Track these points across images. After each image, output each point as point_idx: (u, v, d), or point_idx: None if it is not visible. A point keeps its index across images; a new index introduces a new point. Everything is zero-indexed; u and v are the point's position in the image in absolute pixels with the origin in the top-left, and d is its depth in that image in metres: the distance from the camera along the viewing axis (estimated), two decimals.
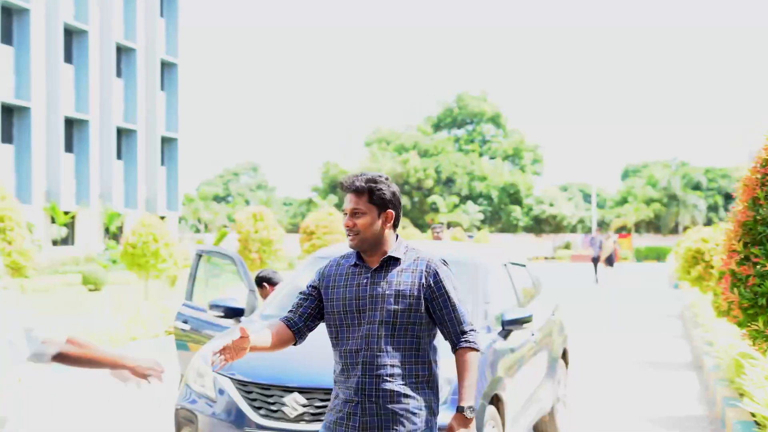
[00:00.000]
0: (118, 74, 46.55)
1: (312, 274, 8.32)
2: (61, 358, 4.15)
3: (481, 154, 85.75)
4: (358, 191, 4.41)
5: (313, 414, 6.00)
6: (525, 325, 7.21)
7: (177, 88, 50.94)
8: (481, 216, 79.62)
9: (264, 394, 6.18)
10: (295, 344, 4.61)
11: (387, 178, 4.49)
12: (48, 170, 41.22)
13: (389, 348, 4.35)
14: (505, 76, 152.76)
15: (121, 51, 46.86)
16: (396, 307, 4.34)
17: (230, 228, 56.38)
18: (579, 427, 9.60)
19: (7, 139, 39.45)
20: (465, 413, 4.31)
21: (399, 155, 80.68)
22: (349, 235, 4.44)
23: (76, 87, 43.30)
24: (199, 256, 9.47)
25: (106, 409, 10.39)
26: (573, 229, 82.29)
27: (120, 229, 45.58)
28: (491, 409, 6.44)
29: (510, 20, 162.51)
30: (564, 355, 9.51)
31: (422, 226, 72.04)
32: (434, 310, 4.41)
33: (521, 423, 7.43)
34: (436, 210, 76.74)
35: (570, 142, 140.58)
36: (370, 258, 4.48)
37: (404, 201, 75.69)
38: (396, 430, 4.31)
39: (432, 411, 4.42)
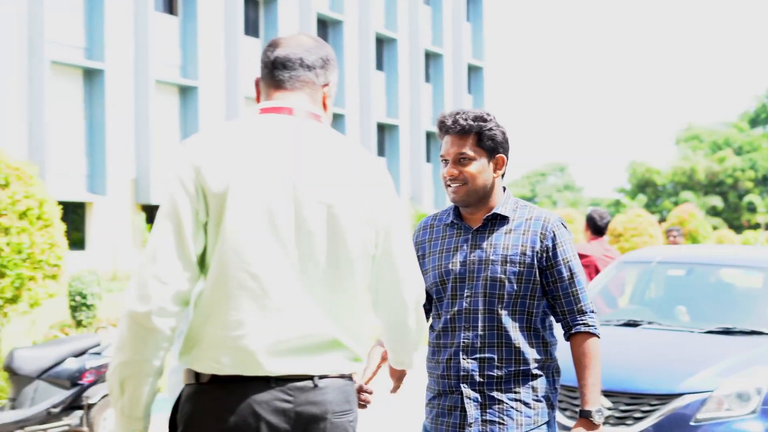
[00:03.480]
0: (427, 79, 47.87)
1: (616, 277, 8.31)
2: None
3: None
4: (463, 132, 3.61)
5: (617, 417, 6.00)
6: None
7: (483, 91, 51.69)
8: None
9: (569, 395, 6.22)
10: None
11: (495, 117, 3.67)
12: None
13: (494, 325, 3.59)
14: None
15: (429, 56, 48.15)
16: (502, 276, 3.57)
17: None
18: None
19: None
20: (592, 418, 3.57)
21: (713, 153, 77.64)
22: (450, 186, 3.65)
23: (387, 93, 44.95)
24: None
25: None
26: None
27: None
28: None
29: None
30: None
31: (738, 228, 68.91)
32: (547, 282, 3.61)
33: None
34: (752, 210, 73.19)
35: None
36: (472, 215, 3.71)
37: (718, 201, 72.68)
38: (504, 423, 3.56)
39: (551, 403, 3.66)
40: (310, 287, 2.60)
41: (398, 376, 3.77)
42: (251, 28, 37.78)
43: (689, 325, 7.14)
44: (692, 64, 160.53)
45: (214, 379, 2.56)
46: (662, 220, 55.19)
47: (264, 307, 2.55)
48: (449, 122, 3.62)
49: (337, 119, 41.41)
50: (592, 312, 3.64)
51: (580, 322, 3.60)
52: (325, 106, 2.83)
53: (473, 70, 51.60)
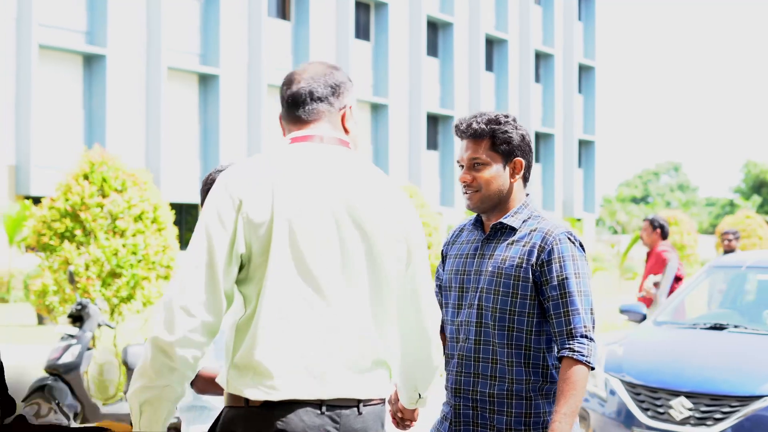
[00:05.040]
0: (537, 79, 47.69)
1: (705, 284, 8.39)
2: None
3: None
4: (476, 135, 3.43)
5: (698, 418, 6.10)
6: None
7: (594, 90, 51.26)
8: None
9: (652, 396, 6.36)
10: None
11: (514, 119, 3.47)
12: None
13: (489, 340, 3.40)
14: None
15: (540, 57, 47.97)
16: (495, 288, 3.38)
17: None
18: None
19: (432, 146, 41.83)
20: None
21: None
22: (466, 193, 3.48)
23: (496, 94, 44.95)
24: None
25: None
26: None
27: None
28: None
29: None
30: None
31: None
32: (544, 300, 3.36)
33: None
34: None
35: None
36: (488, 222, 3.53)
37: None
38: None
39: (546, 428, 3.34)
40: (359, 307, 2.70)
41: (409, 416, 3.50)
42: (362, 31, 38.25)
43: None
44: None
45: (266, 403, 2.62)
46: None
47: (321, 330, 2.65)
48: (463, 126, 3.47)
49: (446, 121, 41.64)
50: (584, 337, 3.29)
51: (567, 346, 3.28)
52: (345, 129, 2.88)
53: (584, 70, 51.21)
